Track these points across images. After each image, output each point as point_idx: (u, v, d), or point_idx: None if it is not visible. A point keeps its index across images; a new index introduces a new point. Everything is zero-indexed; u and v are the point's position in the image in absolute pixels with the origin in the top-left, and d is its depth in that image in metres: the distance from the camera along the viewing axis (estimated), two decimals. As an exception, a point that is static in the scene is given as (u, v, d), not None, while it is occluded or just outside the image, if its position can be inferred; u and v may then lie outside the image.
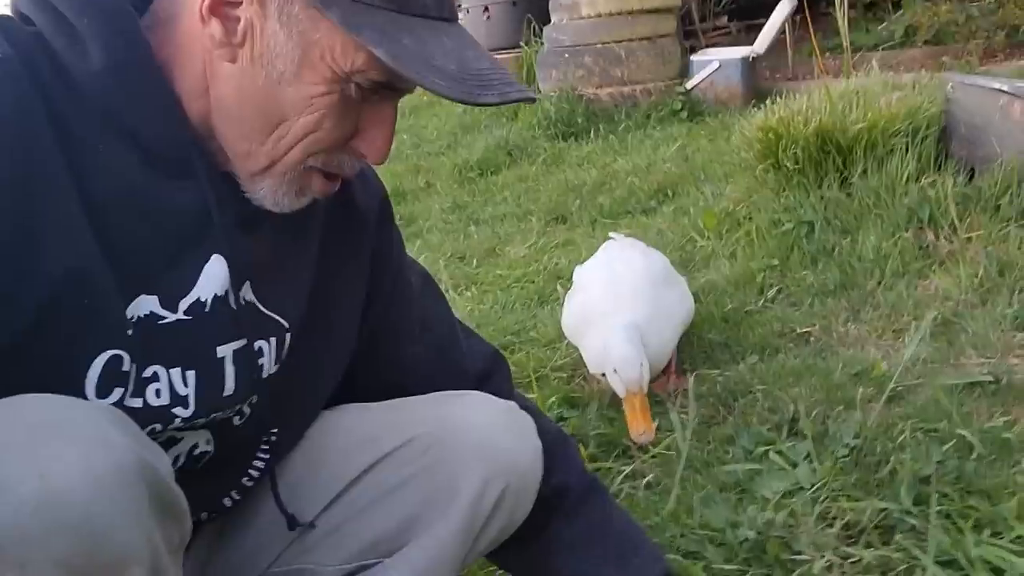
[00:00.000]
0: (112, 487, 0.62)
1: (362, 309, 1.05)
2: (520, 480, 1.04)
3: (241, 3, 0.76)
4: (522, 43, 5.51)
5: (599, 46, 4.76)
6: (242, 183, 0.83)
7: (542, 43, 5.16)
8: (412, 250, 3.06)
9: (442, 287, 2.69)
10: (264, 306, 0.89)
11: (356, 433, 1.06)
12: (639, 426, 1.63)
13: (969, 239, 2.18)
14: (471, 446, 1.02)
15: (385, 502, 1.02)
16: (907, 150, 2.45)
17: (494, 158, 4.27)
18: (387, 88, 0.80)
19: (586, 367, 2.01)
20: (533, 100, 0.84)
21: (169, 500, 0.69)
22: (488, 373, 1.16)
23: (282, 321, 0.91)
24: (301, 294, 0.94)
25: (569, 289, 2.11)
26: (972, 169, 2.44)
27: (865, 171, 2.48)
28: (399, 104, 0.85)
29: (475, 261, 2.99)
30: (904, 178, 2.39)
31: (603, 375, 1.84)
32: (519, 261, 2.90)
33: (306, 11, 0.75)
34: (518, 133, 4.64)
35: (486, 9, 5.85)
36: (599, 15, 4.76)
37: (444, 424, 1.04)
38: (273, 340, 0.91)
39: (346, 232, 1.00)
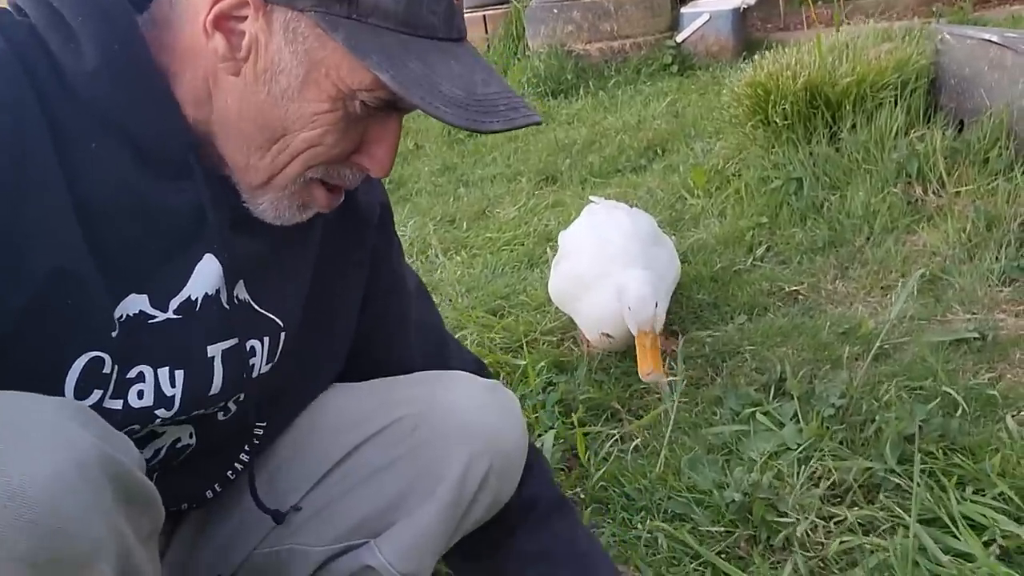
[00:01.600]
0: (74, 483, 0.62)
1: (359, 307, 1.05)
2: (505, 459, 1.05)
3: (246, 18, 0.74)
4: (511, -1, 5.43)
5: (588, 1, 4.69)
6: (243, 196, 0.83)
7: (530, -2, 5.09)
8: (403, 215, 3.05)
9: (432, 252, 2.71)
10: (259, 305, 0.89)
11: (342, 414, 1.06)
12: (647, 365, 1.65)
13: (958, 193, 2.17)
14: (456, 425, 1.02)
15: (371, 482, 1.03)
16: (896, 103, 2.42)
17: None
18: (391, 107, 0.79)
19: (578, 331, 2.02)
20: (539, 123, 0.82)
21: (136, 490, 0.69)
22: None
23: (277, 320, 0.91)
24: (299, 293, 0.94)
25: (555, 250, 2.11)
26: (961, 122, 2.42)
27: (854, 126, 2.46)
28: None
29: (464, 224, 2.97)
30: (893, 132, 2.37)
31: (603, 334, 1.85)
32: (509, 223, 2.89)
33: (313, 30, 0.73)
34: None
35: (473, -36, 5.74)
36: (587, -32, 4.68)
37: (429, 404, 1.04)
38: (267, 339, 0.90)
39: (347, 233, 0.99)
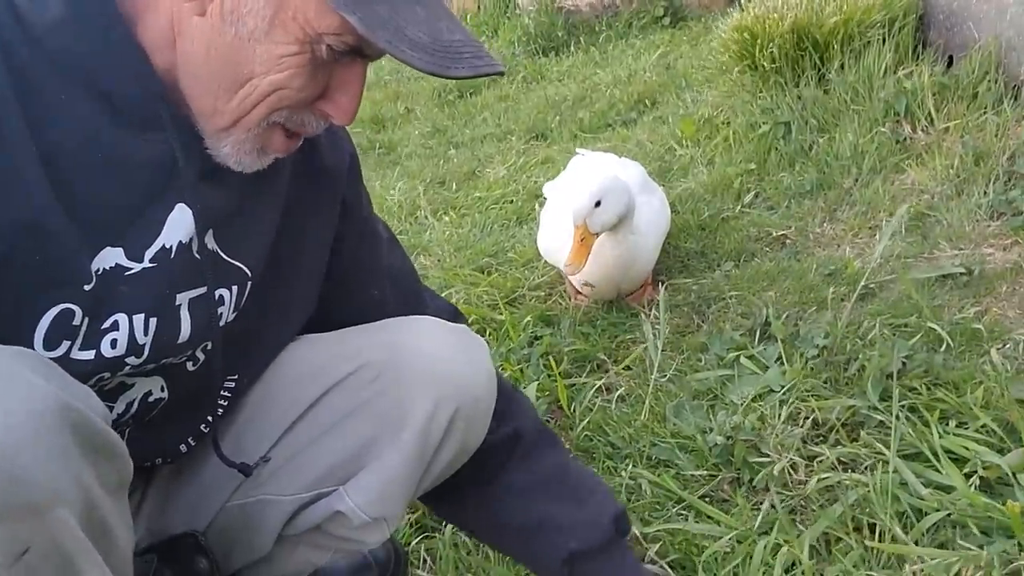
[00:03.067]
0: (30, 430, 0.62)
1: (330, 257, 1.04)
2: (472, 403, 1.04)
3: None
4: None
5: (576, -45, 4.62)
6: (206, 140, 0.82)
7: (519, -44, 5.01)
8: (391, 179, 3.04)
9: (421, 213, 2.70)
10: (227, 254, 0.88)
11: (306, 364, 1.05)
12: (570, 258, 1.68)
13: (946, 129, 2.14)
14: (421, 370, 1.02)
15: (338, 429, 1.02)
16: (884, 41, 2.38)
17: (473, 80, 4.18)
18: (358, 53, 0.78)
19: (566, 284, 2.01)
20: (503, 72, 0.83)
21: (99, 439, 0.69)
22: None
23: (244, 268, 0.91)
24: (265, 242, 0.93)
25: (543, 206, 2.09)
26: (950, 57, 2.38)
27: (842, 66, 2.42)
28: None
29: (454, 185, 2.95)
30: (882, 71, 2.33)
31: (584, 283, 1.83)
32: (498, 182, 2.87)
33: None
34: (497, 52, 4.54)
35: (460, -77, 5.65)
36: (574, -78, 4.60)
37: (394, 349, 1.04)
38: (235, 288, 0.90)
39: (313, 184, 0.98)
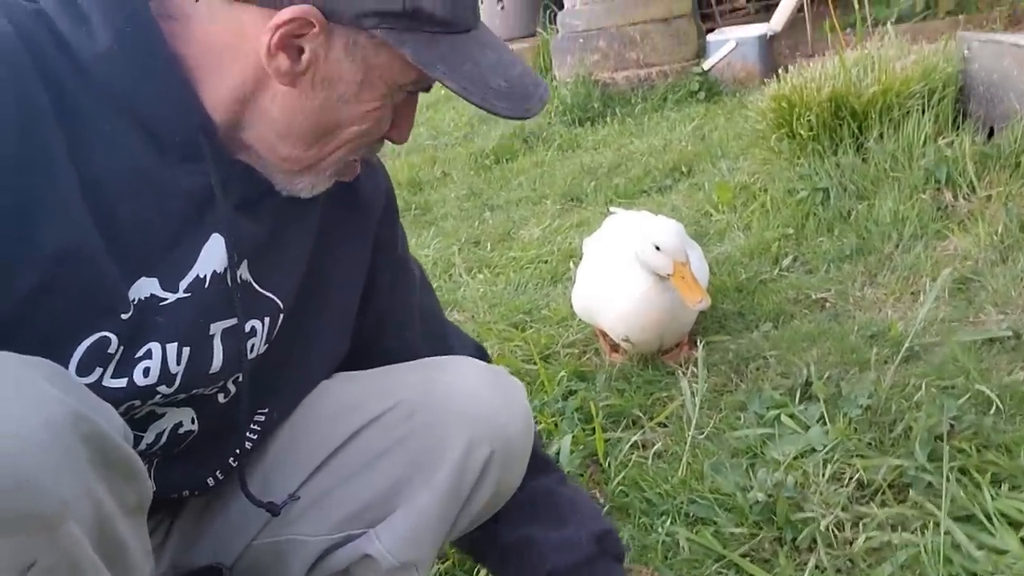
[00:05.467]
0: (41, 439, 0.60)
1: (364, 296, 1.04)
2: (507, 445, 1.01)
3: (306, 35, 0.76)
4: (538, 30, 5.48)
5: (613, 29, 4.72)
6: (275, 180, 0.85)
7: (557, 30, 5.13)
8: (426, 237, 3.06)
9: (455, 271, 2.70)
10: (260, 285, 0.89)
11: (338, 401, 1.04)
12: (695, 295, 1.64)
13: (988, 197, 2.12)
14: (457, 410, 1.00)
15: (370, 469, 1.00)
16: (923, 112, 2.38)
17: (510, 146, 4.25)
18: (423, 88, 0.85)
19: (600, 343, 1.99)
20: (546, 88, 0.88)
21: (116, 457, 0.67)
22: None
23: (276, 300, 0.91)
24: (297, 274, 0.94)
25: (578, 265, 2.09)
26: (991, 128, 2.37)
27: (881, 135, 2.42)
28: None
29: (489, 245, 2.96)
30: (921, 140, 2.33)
31: (625, 339, 1.81)
32: (533, 243, 2.88)
33: (370, 40, 0.77)
34: (533, 121, 4.61)
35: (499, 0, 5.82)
36: (612, -2, 4.72)
37: (430, 388, 1.02)
38: (267, 320, 0.90)
39: (348, 217, 0.99)
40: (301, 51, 0.76)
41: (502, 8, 5.80)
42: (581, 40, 4.79)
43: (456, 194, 3.71)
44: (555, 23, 5.19)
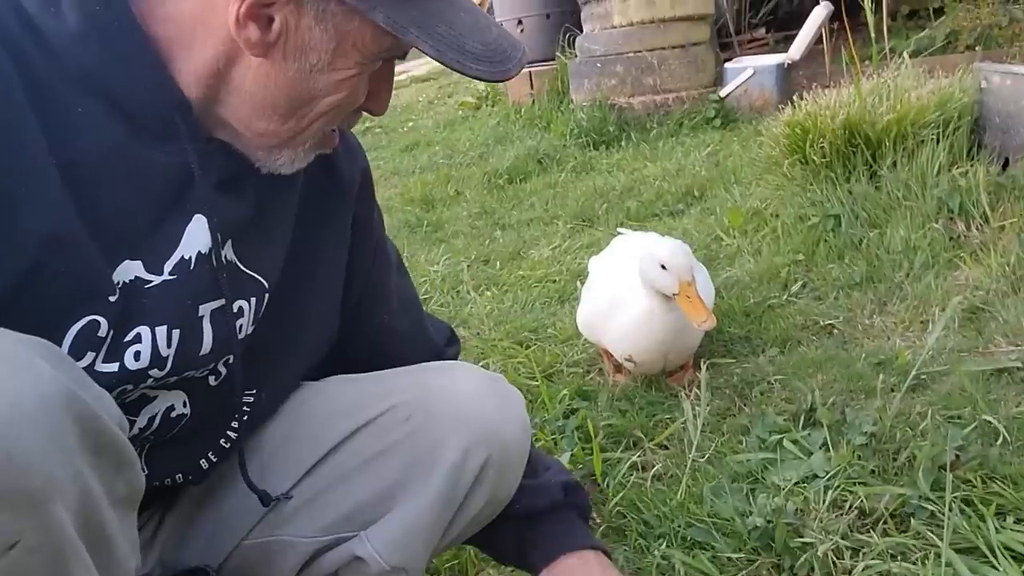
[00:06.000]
0: (31, 414, 0.59)
1: (345, 277, 1.04)
2: (503, 451, 1.00)
3: (275, 3, 0.75)
4: (557, 54, 5.50)
5: (631, 55, 4.73)
6: (254, 156, 0.85)
7: (575, 54, 5.15)
8: (436, 254, 3.05)
9: (463, 288, 2.69)
10: (244, 265, 0.88)
11: (338, 402, 1.03)
12: (700, 314, 1.62)
13: (1002, 228, 2.09)
14: (453, 414, 0.99)
15: (364, 471, 0.99)
16: (938, 141, 2.37)
17: (524, 166, 4.26)
18: (398, 56, 0.84)
19: (604, 363, 1.97)
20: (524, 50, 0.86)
21: (108, 443, 0.66)
22: (450, 342, 1.19)
23: (262, 280, 0.91)
24: (280, 253, 0.94)
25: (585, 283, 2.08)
26: (1006, 159, 2.35)
27: (894, 163, 2.40)
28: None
29: (499, 264, 2.96)
30: (935, 169, 2.31)
31: (628, 359, 1.80)
32: (542, 262, 2.87)
33: (341, 7, 0.76)
34: (548, 142, 4.62)
35: (520, 22, 5.85)
36: (631, 24, 4.73)
37: (427, 392, 1.02)
38: (253, 300, 0.90)
39: (327, 195, 0.99)
40: (271, 20, 0.76)
41: (521, 31, 5.83)
42: (599, 64, 4.80)
43: (468, 212, 3.71)
44: (574, 47, 5.21)
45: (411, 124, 6.51)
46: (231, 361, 0.89)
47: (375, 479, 0.99)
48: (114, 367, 0.78)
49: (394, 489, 0.98)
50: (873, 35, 3.86)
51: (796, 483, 1.42)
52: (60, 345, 0.73)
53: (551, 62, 5.61)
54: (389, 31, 0.76)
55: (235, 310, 0.87)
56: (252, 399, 0.95)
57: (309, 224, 0.97)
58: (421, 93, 8.13)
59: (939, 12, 5.59)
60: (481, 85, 6.67)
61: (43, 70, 0.73)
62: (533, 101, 5.56)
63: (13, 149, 0.70)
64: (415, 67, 10.57)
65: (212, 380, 0.90)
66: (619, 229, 2.25)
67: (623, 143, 4.42)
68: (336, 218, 1.01)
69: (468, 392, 1.02)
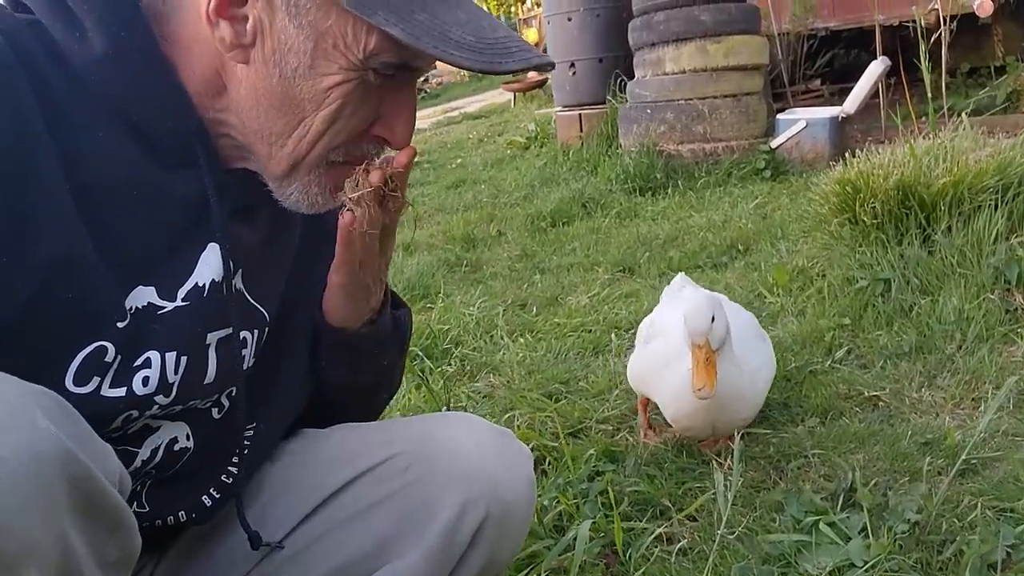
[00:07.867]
0: (21, 473, 0.56)
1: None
2: (504, 510, 0.96)
3: (247, 1, 0.74)
4: (608, 98, 5.48)
5: (682, 102, 4.68)
6: (273, 190, 0.83)
7: (626, 99, 5.12)
8: (473, 295, 3.01)
9: (497, 333, 2.64)
10: (251, 296, 0.88)
11: (338, 449, 1.01)
12: (699, 380, 1.53)
13: (1063, 303, 1.99)
14: (454, 468, 0.95)
15: (358, 521, 0.96)
16: (996, 207, 2.27)
17: (568, 210, 4.22)
18: (403, 69, 0.78)
19: (640, 413, 1.89)
20: (552, 66, 0.81)
21: (101, 504, 0.63)
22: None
23: (264, 312, 0.90)
24: (279, 286, 0.93)
25: (621, 337, 2.00)
26: (1070, 230, 2.25)
27: (949, 228, 2.31)
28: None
29: (535, 309, 2.90)
30: (992, 236, 2.21)
31: (673, 423, 1.71)
32: (579, 310, 2.81)
33: (314, 0, 0.73)
34: (594, 186, 4.58)
35: (572, 65, 5.84)
36: (683, 71, 4.69)
37: (430, 444, 0.98)
38: (256, 331, 0.89)
39: (322, 232, 0.96)
40: (246, 20, 0.74)
41: (573, 74, 5.82)
42: (649, 111, 4.76)
43: (509, 254, 3.67)
44: (624, 92, 5.18)
45: (459, 161, 6.52)
46: (234, 393, 0.88)
47: (369, 531, 0.96)
48: (121, 391, 0.77)
49: (390, 542, 0.95)
50: (930, 93, 3.77)
51: (831, 571, 1.33)
52: (66, 371, 0.73)
53: (602, 105, 5.59)
54: (352, 13, 0.72)
55: (240, 339, 0.86)
56: (252, 432, 0.94)
57: (304, 259, 0.96)
58: (472, 130, 8.16)
59: (1000, 71, 5.47)
60: (531, 124, 6.68)
61: (65, 94, 0.73)
62: (582, 143, 5.54)
63: (28, 174, 0.69)
64: (468, 104, 10.67)
65: (215, 412, 0.89)
66: (680, 275, 2.15)
67: (669, 190, 4.36)
68: (326, 255, 0.97)
69: (472, 446, 0.97)
